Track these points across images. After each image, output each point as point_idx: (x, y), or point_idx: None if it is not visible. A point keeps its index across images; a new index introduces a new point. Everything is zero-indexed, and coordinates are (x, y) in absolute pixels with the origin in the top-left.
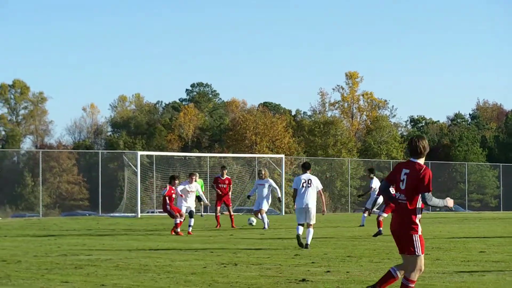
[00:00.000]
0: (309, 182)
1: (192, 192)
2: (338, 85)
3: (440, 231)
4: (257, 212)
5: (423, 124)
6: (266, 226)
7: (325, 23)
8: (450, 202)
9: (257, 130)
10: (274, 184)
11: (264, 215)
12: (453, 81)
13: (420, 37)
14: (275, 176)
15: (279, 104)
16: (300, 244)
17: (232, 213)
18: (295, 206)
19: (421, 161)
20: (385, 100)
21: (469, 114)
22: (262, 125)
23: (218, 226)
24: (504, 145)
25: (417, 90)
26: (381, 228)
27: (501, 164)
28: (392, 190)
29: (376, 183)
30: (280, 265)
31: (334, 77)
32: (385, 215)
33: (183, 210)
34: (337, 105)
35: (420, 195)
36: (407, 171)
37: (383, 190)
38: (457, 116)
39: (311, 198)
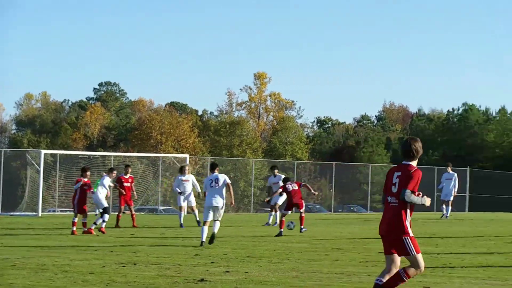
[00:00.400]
0: (216, 181)
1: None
2: (246, 86)
3: (341, 232)
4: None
5: (330, 125)
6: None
7: (233, 23)
8: (427, 201)
9: (162, 130)
10: (195, 181)
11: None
12: (360, 82)
13: (327, 38)
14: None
15: (186, 104)
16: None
17: (134, 212)
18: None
19: (414, 163)
20: (292, 101)
21: (375, 116)
22: (168, 125)
23: (117, 226)
24: None
25: (325, 92)
26: (282, 230)
27: None
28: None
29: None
30: (179, 265)
31: (243, 77)
32: (289, 212)
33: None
34: (244, 105)
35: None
36: (399, 173)
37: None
38: (363, 117)
39: (218, 197)
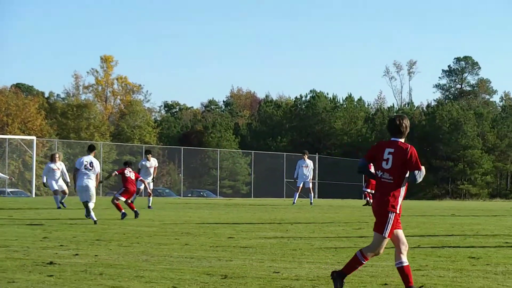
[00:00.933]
0: (91, 165)
1: None
2: (92, 69)
3: (190, 217)
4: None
5: (177, 109)
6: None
7: (80, 3)
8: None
9: (8, 111)
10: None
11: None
12: (208, 67)
13: (174, 20)
14: (26, 158)
15: (32, 86)
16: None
17: None
18: (76, 186)
19: (403, 140)
20: (140, 85)
21: (223, 101)
22: (14, 106)
23: None
24: (256, 132)
25: (172, 76)
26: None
27: (253, 151)
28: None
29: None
30: (27, 248)
31: (89, 60)
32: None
33: None
34: (91, 88)
35: (408, 173)
36: (391, 150)
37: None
38: (211, 102)
39: (91, 180)
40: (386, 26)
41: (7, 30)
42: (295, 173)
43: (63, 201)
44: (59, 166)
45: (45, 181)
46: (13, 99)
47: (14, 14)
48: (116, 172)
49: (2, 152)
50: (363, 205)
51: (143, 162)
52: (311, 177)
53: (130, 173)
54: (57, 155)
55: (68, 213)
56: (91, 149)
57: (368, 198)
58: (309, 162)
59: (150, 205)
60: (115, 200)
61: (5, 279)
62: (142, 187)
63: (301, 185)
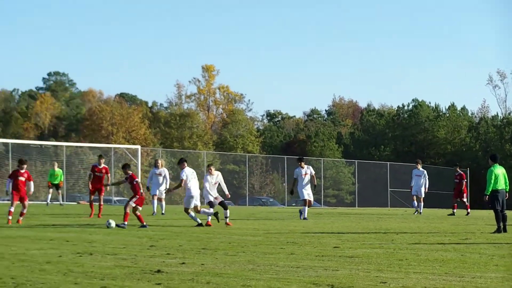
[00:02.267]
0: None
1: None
2: (194, 78)
3: (295, 226)
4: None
5: (280, 118)
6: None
7: (182, 14)
8: None
9: (113, 121)
10: (167, 175)
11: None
12: (309, 76)
13: (277, 32)
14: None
15: (135, 95)
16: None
17: (102, 202)
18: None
19: None
20: (241, 94)
21: (325, 110)
22: (119, 116)
23: (92, 215)
24: (359, 142)
25: (274, 85)
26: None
27: (356, 160)
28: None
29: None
30: (135, 256)
31: (191, 69)
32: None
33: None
34: (193, 97)
35: None
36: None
37: None
38: (313, 111)
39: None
40: (489, 34)
41: (114, 42)
42: (411, 182)
43: (163, 211)
44: (161, 172)
45: (148, 185)
46: (117, 109)
47: (123, 28)
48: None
49: (108, 161)
50: (448, 215)
51: (155, 171)
52: (426, 186)
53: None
54: (159, 161)
55: (173, 222)
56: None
57: (454, 210)
58: (422, 171)
59: (163, 211)
60: (137, 212)
61: (115, 286)
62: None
63: (417, 194)
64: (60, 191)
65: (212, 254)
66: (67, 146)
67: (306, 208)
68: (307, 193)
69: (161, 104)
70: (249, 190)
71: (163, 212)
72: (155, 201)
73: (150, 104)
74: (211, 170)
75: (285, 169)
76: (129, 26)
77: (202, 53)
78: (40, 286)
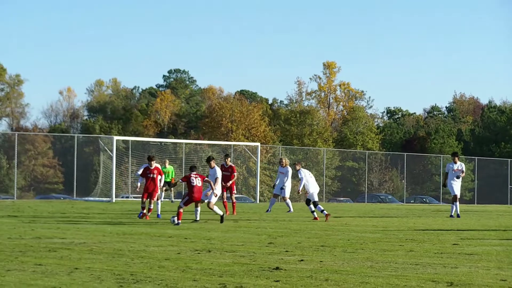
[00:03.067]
0: None
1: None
2: (315, 75)
3: (414, 223)
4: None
5: (400, 115)
6: (292, 210)
7: (304, 11)
8: None
9: (233, 118)
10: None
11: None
12: (430, 73)
13: (398, 28)
14: (250, 164)
15: (256, 92)
16: None
17: (234, 200)
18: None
19: None
20: (362, 91)
21: (446, 107)
22: (239, 113)
23: (228, 213)
24: (479, 138)
25: (394, 82)
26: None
27: (476, 157)
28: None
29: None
30: (254, 253)
31: (312, 66)
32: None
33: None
34: (313, 94)
35: None
36: None
37: None
38: (434, 108)
39: None
40: None
41: (235, 39)
42: None
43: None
44: (284, 170)
45: (277, 183)
46: (237, 106)
47: (244, 25)
48: (180, 180)
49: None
50: None
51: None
52: None
53: (196, 180)
54: (283, 160)
55: (292, 219)
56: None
57: None
58: None
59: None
60: (180, 209)
61: (233, 284)
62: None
63: None
64: (172, 188)
65: (331, 251)
66: (186, 144)
67: (454, 205)
68: (456, 188)
69: (281, 101)
70: (367, 187)
71: (291, 210)
72: (275, 200)
73: (270, 101)
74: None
75: (405, 166)
76: (250, 23)
77: (323, 50)
78: (159, 283)
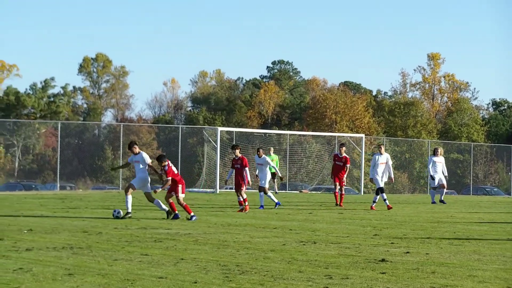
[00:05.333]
0: None
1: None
2: (419, 66)
3: None
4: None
5: (506, 107)
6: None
7: (408, 3)
8: None
9: (337, 109)
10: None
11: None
12: None
13: (503, 18)
14: (354, 155)
15: (359, 83)
16: None
17: (343, 192)
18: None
19: None
20: (467, 82)
21: None
22: (343, 104)
23: (337, 202)
24: None
25: (499, 74)
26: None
27: None
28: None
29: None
30: (359, 245)
31: (416, 58)
32: None
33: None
34: (418, 86)
35: None
36: None
37: None
38: None
39: None
40: None
41: (338, 31)
42: None
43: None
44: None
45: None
46: (341, 97)
47: (346, 18)
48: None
49: (331, 149)
50: None
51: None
52: None
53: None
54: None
55: (397, 211)
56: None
57: None
58: None
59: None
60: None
61: (339, 275)
62: None
63: None
64: (276, 180)
65: (437, 244)
66: (290, 135)
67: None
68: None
69: (385, 93)
70: (472, 179)
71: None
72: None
73: (374, 93)
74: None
75: (511, 159)
76: (355, 15)
77: (427, 42)
78: (264, 274)
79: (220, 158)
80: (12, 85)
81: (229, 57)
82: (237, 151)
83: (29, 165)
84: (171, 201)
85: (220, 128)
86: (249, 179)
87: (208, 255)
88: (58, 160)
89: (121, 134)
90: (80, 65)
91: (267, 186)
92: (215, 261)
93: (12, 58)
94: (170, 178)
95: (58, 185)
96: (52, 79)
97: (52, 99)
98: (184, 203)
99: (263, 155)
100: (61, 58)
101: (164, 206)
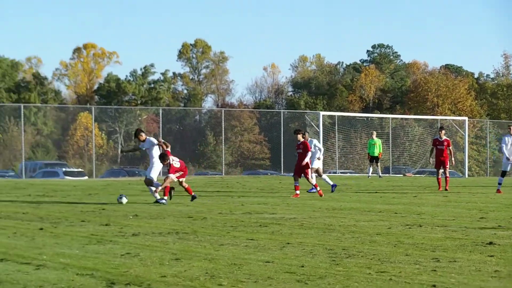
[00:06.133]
0: None
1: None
2: None
3: None
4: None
5: None
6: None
7: None
8: None
9: (438, 92)
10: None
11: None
12: None
13: None
14: (457, 139)
15: (461, 66)
16: None
17: (448, 175)
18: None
19: None
20: None
21: None
22: (444, 87)
23: (440, 188)
24: None
25: None
26: None
27: None
28: None
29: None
30: (465, 228)
31: None
32: None
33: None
34: None
35: None
36: None
37: None
38: None
39: None
40: None
41: (436, 15)
42: None
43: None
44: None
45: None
46: (443, 80)
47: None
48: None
49: (434, 133)
50: None
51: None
52: None
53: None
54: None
55: (504, 194)
56: None
57: None
58: None
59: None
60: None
61: (446, 258)
62: None
63: None
64: (379, 164)
65: None
66: (392, 118)
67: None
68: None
69: (487, 75)
70: None
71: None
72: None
73: (476, 75)
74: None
75: None
76: None
77: None
78: (371, 257)
79: (322, 142)
80: (112, 72)
81: (329, 41)
82: (299, 136)
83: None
84: (186, 186)
85: (322, 113)
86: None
87: (314, 239)
88: None
89: (222, 119)
90: (179, 51)
91: (315, 167)
92: (321, 245)
93: (112, 45)
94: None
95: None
96: (152, 65)
97: (152, 85)
98: (167, 185)
99: (309, 139)
100: (160, 44)
101: (157, 195)
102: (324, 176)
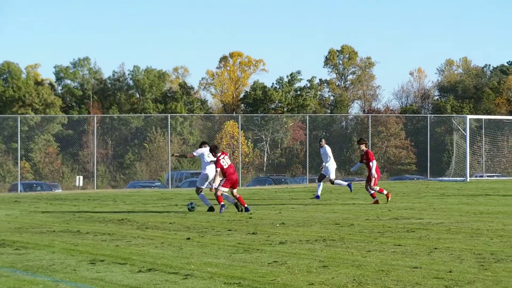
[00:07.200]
0: None
1: None
2: None
3: None
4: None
5: None
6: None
7: None
8: None
9: None
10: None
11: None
12: None
13: None
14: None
15: None
16: None
17: None
18: None
19: None
20: None
21: None
22: None
23: None
24: None
25: None
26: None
27: None
28: None
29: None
30: None
31: None
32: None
33: None
34: None
35: None
36: None
37: None
38: None
39: None
40: None
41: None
42: None
43: None
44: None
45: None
46: None
47: None
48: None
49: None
50: None
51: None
52: None
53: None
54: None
55: None
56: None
57: None
58: None
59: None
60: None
61: None
62: None
63: None
64: None
65: None
66: None
67: None
68: None
69: None
70: None
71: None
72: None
73: None
74: None
75: None
76: None
77: None
78: None
79: (469, 146)
80: (258, 80)
81: (476, 44)
82: (363, 146)
83: (277, 159)
84: (237, 195)
85: (469, 116)
86: (373, 172)
87: (461, 244)
88: (307, 153)
89: (369, 125)
90: (326, 57)
91: (332, 176)
92: (469, 250)
93: (258, 53)
94: (218, 169)
95: (308, 178)
96: (299, 72)
97: (299, 92)
98: (219, 195)
99: (324, 145)
100: (307, 51)
101: (208, 201)
102: (337, 180)
